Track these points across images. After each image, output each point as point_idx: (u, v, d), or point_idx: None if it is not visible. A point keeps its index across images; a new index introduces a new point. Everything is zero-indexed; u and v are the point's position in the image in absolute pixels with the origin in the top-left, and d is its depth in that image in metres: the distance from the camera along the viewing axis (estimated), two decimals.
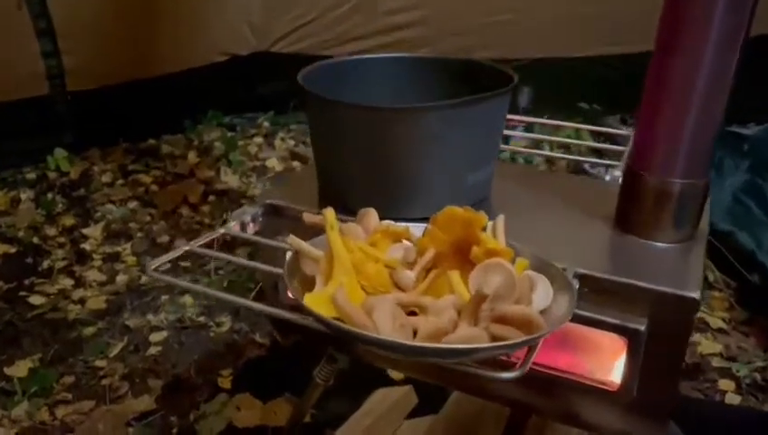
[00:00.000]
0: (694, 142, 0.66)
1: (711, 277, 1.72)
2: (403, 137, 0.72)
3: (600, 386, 0.70)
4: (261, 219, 0.80)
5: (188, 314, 1.56)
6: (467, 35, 2.53)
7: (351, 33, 2.54)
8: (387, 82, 0.92)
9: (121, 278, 1.75)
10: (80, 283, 1.74)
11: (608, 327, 0.66)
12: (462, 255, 0.59)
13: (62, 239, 1.93)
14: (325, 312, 0.53)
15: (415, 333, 0.52)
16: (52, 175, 2.30)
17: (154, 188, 2.24)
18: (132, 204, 2.13)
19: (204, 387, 1.31)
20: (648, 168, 0.70)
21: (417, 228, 0.66)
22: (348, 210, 0.75)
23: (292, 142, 2.64)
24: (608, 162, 1.05)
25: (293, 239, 0.60)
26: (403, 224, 0.67)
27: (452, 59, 0.90)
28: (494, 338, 0.51)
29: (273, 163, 2.43)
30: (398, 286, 0.58)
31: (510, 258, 0.58)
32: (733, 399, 1.35)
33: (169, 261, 0.72)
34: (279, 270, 0.63)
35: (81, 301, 1.65)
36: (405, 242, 0.64)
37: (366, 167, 0.76)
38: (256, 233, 0.80)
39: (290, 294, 0.55)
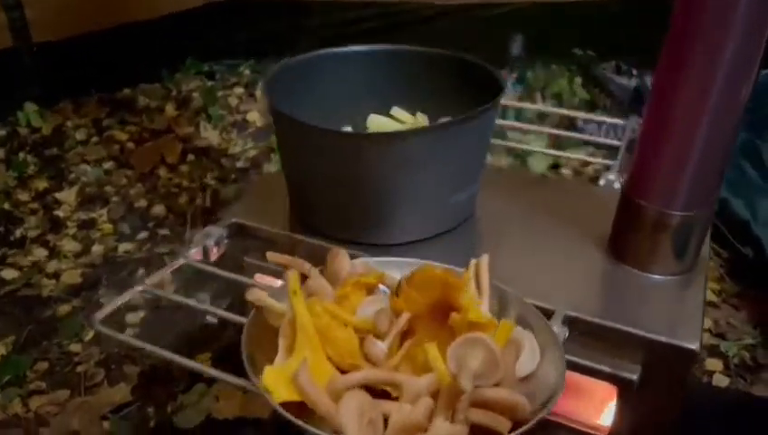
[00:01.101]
0: (698, 175, 0.60)
1: None
2: (378, 163, 0.65)
3: (588, 430, 0.66)
4: (226, 241, 0.74)
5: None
6: None
7: None
8: (363, 76, 0.84)
9: (97, 249, 1.69)
10: (54, 253, 1.68)
11: (597, 375, 0.61)
12: (440, 316, 0.54)
13: (34, 205, 1.86)
14: (286, 393, 0.47)
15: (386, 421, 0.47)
16: (23, 131, 2.21)
17: (130, 145, 2.15)
18: (107, 164, 2.05)
19: (181, 375, 1.27)
20: (645, 197, 0.64)
21: (394, 265, 0.60)
22: (321, 233, 0.69)
23: None
24: (602, 161, 0.98)
25: (255, 294, 0.54)
26: (374, 259, 0.61)
27: (434, 53, 0.82)
28: (473, 426, 0.46)
29: (255, 117, 2.34)
30: (369, 359, 0.52)
31: (493, 329, 0.52)
32: (720, 380, 1.33)
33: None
34: (243, 320, 0.58)
35: (56, 275, 1.60)
36: (379, 292, 0.58)
37: (340, 192, 0.69)
38: (222, 256, 0.74)
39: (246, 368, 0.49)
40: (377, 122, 0.87)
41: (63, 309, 1.47)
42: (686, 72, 0.58)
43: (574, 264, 0.70)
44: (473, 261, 0.62)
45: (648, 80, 2.16)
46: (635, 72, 2.68)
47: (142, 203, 1.87)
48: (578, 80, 2.56)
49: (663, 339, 0.59)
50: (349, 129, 0.86)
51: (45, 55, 2.16)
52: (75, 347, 1.36)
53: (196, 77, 2.60)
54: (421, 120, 0.85)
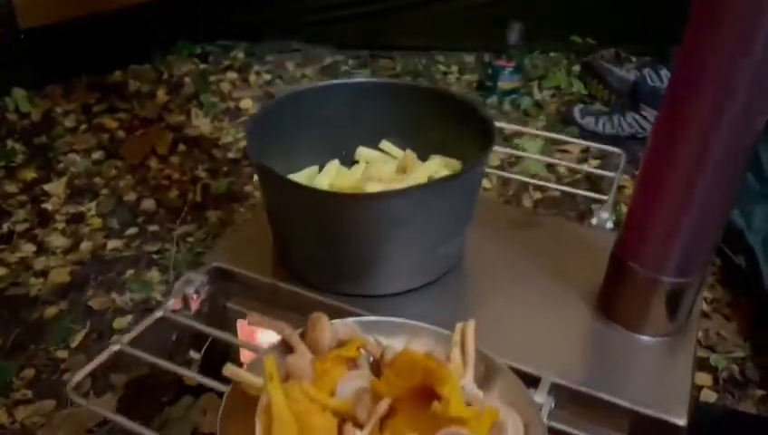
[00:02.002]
0: (692, 242, 0.58)
1: None
2: (362, 222, 0.64)
3: None
4: (207, 287, 0.72)
5: (154, 295, 1.51)
6: None
7: None
8: (354, 108, 0.82)
9: (86, 245, 1.67)
10: (42, 249, 1.67)
11: None
12: (421, 400, 0.52)
13: (22, 197, 1.84)
14: None
15: None
16: (11, 117, 2.17)
17: (120, 134, 2.12)
18: (97, 154, 2.02)
19: (168, 385, 1.27)
20: (636, 260, 0.62)
21: (379, 327, 0.59)
22: (306, 281, 0.68)
23: (268, 77, 2.49)
24: (595, 196, 0.96)
25: (231, 370, 0.53)
26: (357, 320, 0.60)
27: (429, 89, 0.80)
28: None
29: (248, 104, 2.31)
30: None
31: (476, 420, 0.51)
32: (708, 396, 1.33)
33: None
34: (223, 388, 0.57)
35: (44, 273, 1.58)
36: (362, 359, 0.57)
37: (323, 246, 0.67)
38: (204, 301, 0.73)
39: None
40: (365, 154, 0.84)
41: (51, 311, 1.46)
42: (682, 137, 0.56)
43: (562, 321, 0.69)
44: (458, 325, 0.60)
45: (647, 72, 2.12)
46: (634, 59, 2.63)
47: (132, 196, 1.85)
48: (576, 69, 2.52)
49: (650, 413, 0.58)
50: (336, 161, 0.84)
51: (33, 40, 2.11)
52: (62, 353, 1.35)
53: (189, 59, 2.56)
54: (410, 156, 0.83)
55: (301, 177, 0.81)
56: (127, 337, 0.69)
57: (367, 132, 0.84)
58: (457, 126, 0.75)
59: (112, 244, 1.68)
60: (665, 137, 0.56)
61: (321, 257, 0.68)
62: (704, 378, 1.36)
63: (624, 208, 1.73)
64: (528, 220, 0.86)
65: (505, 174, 1.27)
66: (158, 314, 0.71)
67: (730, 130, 0.52)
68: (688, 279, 0.61)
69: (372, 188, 0.73)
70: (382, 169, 0.80)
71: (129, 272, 1.58)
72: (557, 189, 1.70)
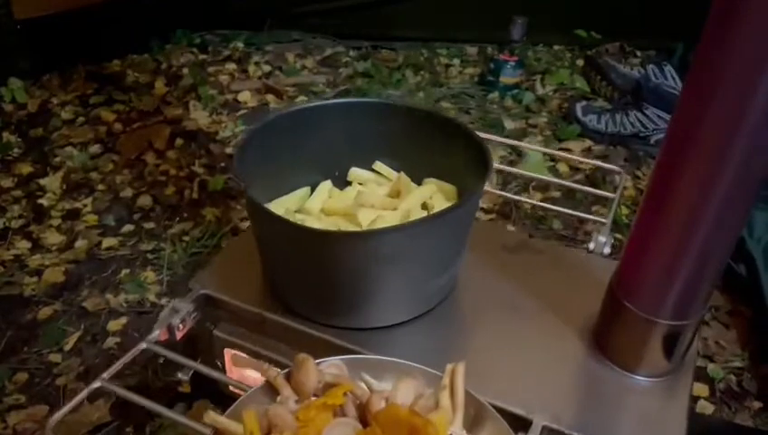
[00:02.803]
0: (688, 288, 0.56)
1: None
2: (352, 259, 0.62)
3: None
4: (194, 315, 0.71)
5: (149, 296, 1.49)
6: None
7: None
8: (349, 128, 0.80)
9: (80, 243, 1.66)
10: (37, 246, 1.66)
11: None
12: None
13: (18, 192, 1.82)
14: None
15: None
16: (8, 108, 2.15)
17: (118, 126, 2.09)
18: (94, 147, 2.00)
19: (161, 392, 1.26)
20: (632, 301, 0.60)
21: (367, 365, 0.58)
22: (293, 313, 0.66)
23: (267, 68, 2.47)
24: (593, 218, 0.93)
25: (212, 418, 0.52)
26: (344, 358, 0.58)
27: (425, 111, 0.78)
28: None
29: (246, 97, 2.28)
30: None
31: None
32: (705, 407, 1.32)
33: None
34: (206, 432, 0.56)
35: (38, 272, 1.57)
36: (348, 403, 0.55)
37: (313, 280, 0.66)
38: (191, 330, 0.71)
39: None
40: (358, 175, 0.83)
41: (45, 312, 1.45)
42: (680, 184, 0.54)
43: (556, 359, 0.67)
44: (448, 367, 0.59)
45: (651, 69, 2.09)
46: (639, 54, 2.60)
47: (128, 192, 1.83)
48: (579, 63, 2.49)
49: None
50: (328, 182, 0.82)
51: (30, 31, 2.09)
52: (55, 357, 1.34)
53: (188, 49, 2.53)
54: (404, 180, 0.81)
55: (292, 199, 0.79)
56: (107, 373, 0.68)
57: (360, 153, 0.82)
58: (453, 151, 0.74)
59: (108, 242, 1.66)
60: (662, 183, 0.54)
61: (310, 290, 0.67)
62: (701, 389, 1.35)
63: (625, 211, 1.72)
64: (523, 245, 0.84)
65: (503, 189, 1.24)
66: (142, 345, 0.70)
67: (729, 179, 0.51)
68: (686, 322, 0.60)
69: (364, 215, 0.71)
70: (375, 192, 0.78)
71: (125, 271, 1.57)
72: (561, 184, 1.67)
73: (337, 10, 2.54)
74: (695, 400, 1.33)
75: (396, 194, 0.80)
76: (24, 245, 1.65)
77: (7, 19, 1.98)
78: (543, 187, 1.83)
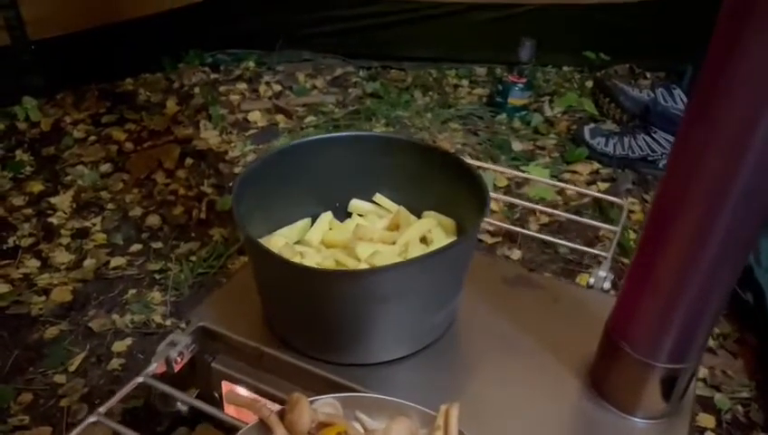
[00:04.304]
0: (684, 332, 0.56)
1: None
2: (349, 297, 0.62)
3: None
4: (192, 347, 0.71)
5: (155, 317, 1.50)
6: None
7: None
8: (351, 161, 0.80)
9: (89, 263, 1.67)
10: (46, 265, 1.67)
11: None
12: None
13: (28, 211, 1.84)
14: None
15: None
16: (21, 126, 2.18)
17: (128, 145, 2.12)
18: (104, 166, 2.02)
19: (164, 415, 1.26)
20: (628, 343, 0.60)
21: (362, 404, 0.58)
22: (291, 348, 0.67)
23: (278, 88, 2.49)
24: (594, 252, 0.93)
25: None
26: (338, 397, 0.58)
27: (426, 146, 0.79)
28: None
29: (256, 117, 2.30)
30: None
31: None
32: None
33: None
34: None
35: (46, 291, 1.59)
36: None
37: (311, 317, 0.66)
38: (188, 362, 0.72)
39: None
40: (359, 207, 0.83)
41: (51, 332, 1.46)
42: (677, 233, 0.54)
43: (552, 400, 0.67)
44: (443, 408, 0.59)
45: (660, 92, 2.09)
46: (648, 75, 2.60)
47: (137, 211, 1.85)
48: (588, 84, 2.49)
49: None
50: (329, 213, 0.82)
51: (44, 51, 2.12)
52: (60, 378, 1.35)
53: (200, 68, 2.56)
54: (403, 213, 0.81)
55: (293, 231, 0.80)
56: (104, 408, 0.69)
57: (361, 185, 0.83)
58: (453, 185, 0.74)
59: (115, 261, 1.68)
60: (658, 229, 0.54)
61: (307, 326, 0.67)
62: (707, 419, 1.34)
63: (632, 235, 1.71)
64: (521, 279, 0.84)
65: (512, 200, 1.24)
66: (139, 379, 0.70)
67: (723, 231, 0.50)
68: (682, 365, 0.60)
69: (362, 249, 0.72)
70: (374, 224, 0.79)
71: (131, 292, 1.58)
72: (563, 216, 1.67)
73: (347, 30, 2.57)
74: (701, 431, 1.32)
75: (395, 227, 0.81)
76: (33, 263, 1.67)
77: (22, 39, 2.01)
78: (551, 206, 1.83)
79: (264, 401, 0.59)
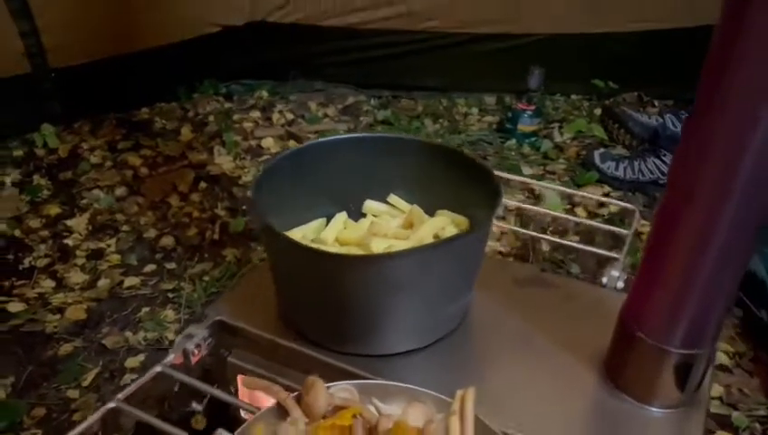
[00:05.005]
0: (699, 315, 0.57)
1: None
2: (363, 283, 0.63)
3: None
4: (209, 340, 0.72)
5: (168, 334, 1.51)
6: (475, 9, 2.38)
7: (353, 3, 2.38)
8: (364, 162, 0.82)
9: (103, 282, 1.69)
10: (61, 285, 1.69)
11: None
12: None
13: (45, 232, 1.87)
14: None
15: None
16: (40, 152, 2.22)
17: (144, 170, 2.15)
18: (120, 190, 2.05)
19: (176, 425, 1.26)
20: (643, 329, 0.60)
21: (377, 390, 0.58)
22: (306, 339, 0.67)
23: (290, 116, 2.52)
24: (607, 254, 0.94)
25: None
26: (354, 383, 0.59)
27: (437, 146, 0.80)
28: None
29: (269, 143, 2.34)
30: None
31: None
32: None
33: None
34: None
35: (61, 309, 1.60)
36: (357, 424, 0.56)
37: (326, 306, 0.67)
38: (205, 356, 0.72)
39: None
40: (373, 208, 0.85)
41: (65, 349, 1.47)
42: (685, 219, 0.55)
43: (568, 390, 0.67)
44: (458, 392, 0.59)
45: (669, 117, 2.11)
46: (657, 103, 2.62)
47: (151, 233, 1.87)
48: (597, 112, 2.52)
49: None
50: (344, 213, 0.84)
51: (63, 79, 2.17)
52: (73, 393, 1.36)
53: (214, 98, 2.60)
54: (417, 211, 0.83)
55: (308, 229, 0.81)
56: (122, 394, 0.69)
57: (376, 186, 0.84)
58: (465, 183, 0.75)
59: (129, 281, 1.69)
60: (669, 217, 0.55)
61: (323, 317, 0.68)
62: None
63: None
64: (535, 279, 0.85)
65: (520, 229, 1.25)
66: (157, 368, 0.71)
67: (732, 217, 0.51)
68: (697, 351, 0.60)
69: (377, 244, 0.73)
70: (388, 223, 0.80)
71: (145, 310, 1.59)
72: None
73: (359, 61, 2.61)
74: None
75: (409, 226, 0.82)
76: (48, 284, 1.69)
77: (43, 67, 2.07)
78: (561, 232, 1.83)
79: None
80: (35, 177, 2.09)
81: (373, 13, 2.40)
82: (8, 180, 2.06)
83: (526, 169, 2.15)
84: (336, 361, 0.66)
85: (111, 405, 0.67)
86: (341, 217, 0.84)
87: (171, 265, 1.75)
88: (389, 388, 0.62)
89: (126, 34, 2.20)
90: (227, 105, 2.57)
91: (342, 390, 0.60)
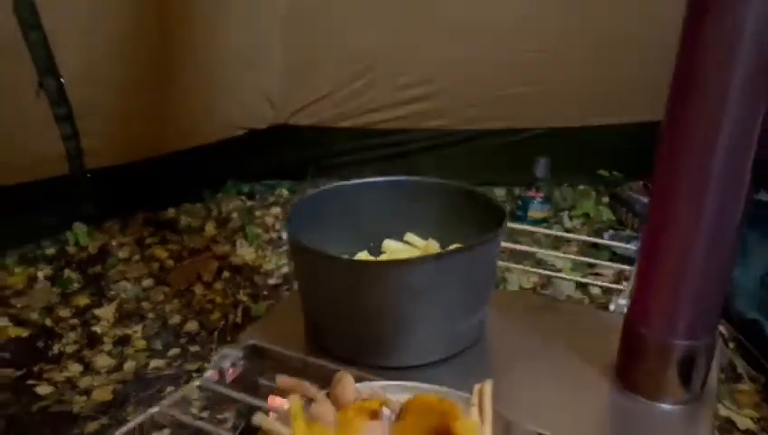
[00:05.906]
0: (697, 302, 0.61)
1: (739, 367, 1.64)
2: (384, 290, 0.69)
3: None
4: (242, 362, 0.77)
5: (192, 410, 1.53)
6: (481, 107, 2.53)
7: (368, 105, 2.55)
8: (381, 205, 0.90)
9: (129, 365, 1.73)
10: (88, 369, 1.73)
11: None
12: None
13: (74, 321, 1.93)
14: None
15: None
16: (71, 250, 2.32)
17: (170, 263, 2.23)
18: (147, 281, 2.13)
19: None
20: (646, 325, 0.65)
21: (399, 389, 0.62)
22: (334, 356, 0.72)
23: None
24: (613, 286, 0.99)
25: (259, 418, 0.56)
26: (380, 383, 0.63)
27: (444, 184, 0.88)
28: None
29: None
30: None
31: None
32: None
33: None
34: None
35: (87, 391, 1.63)
36: (382, 415, 0.60)
37: (348, 317, 0.72)
38: (239, 377, 0.77)
39: None
40: (391, 247, 0.91)
41: (92, 427, 1.49)
42: (675, 205, 0.61)
43: (582, 394, 0.71)
44: (476, 386, 0.63)
45: None
46: None
47: (176, 319, 1.92)
48: (604, 199, 2.60)
49: None
50: (365, 253, 0.90)
51: (97, 180, 2.31)
52: None
53: (237, 197, 2.73)
54: (432, 245, 0.89)
55: None
56: (165, 402, 0.73)
57: (394, 225, 0.91)
58: (479, 221, 0.82)
59: (155, 363, 1.73)
60: (660, 212, 0.62)
61: (347, 329, 0.73)
62: None
63: None
64: (545, 305, 0.89)
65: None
66: (197, 382, 0.76)
67: (715, 211, 0.58)
68: (698, 342, 0.64)
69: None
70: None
71: (169, 389, 1.62)
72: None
73: (372, 159, 2.74)
74: None
75: None
76: (76, 368, 1.73)
77: (80, 168, 2.21)
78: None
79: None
80: (66, 271, 2.18)
81: (385, 113, 2.55)
82: (41, 274, 2.15)
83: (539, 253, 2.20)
84: (361, 373, 0.70)
85: (155, 410, 0.71)
86: (362, 254, 0.90)
87: (195, 348, 1.79)
88: (413, 389, 0.65)
89: (157, 138, 2.36)
90: (249, 203, 2.69)
91: (368, 389, 0.64)
